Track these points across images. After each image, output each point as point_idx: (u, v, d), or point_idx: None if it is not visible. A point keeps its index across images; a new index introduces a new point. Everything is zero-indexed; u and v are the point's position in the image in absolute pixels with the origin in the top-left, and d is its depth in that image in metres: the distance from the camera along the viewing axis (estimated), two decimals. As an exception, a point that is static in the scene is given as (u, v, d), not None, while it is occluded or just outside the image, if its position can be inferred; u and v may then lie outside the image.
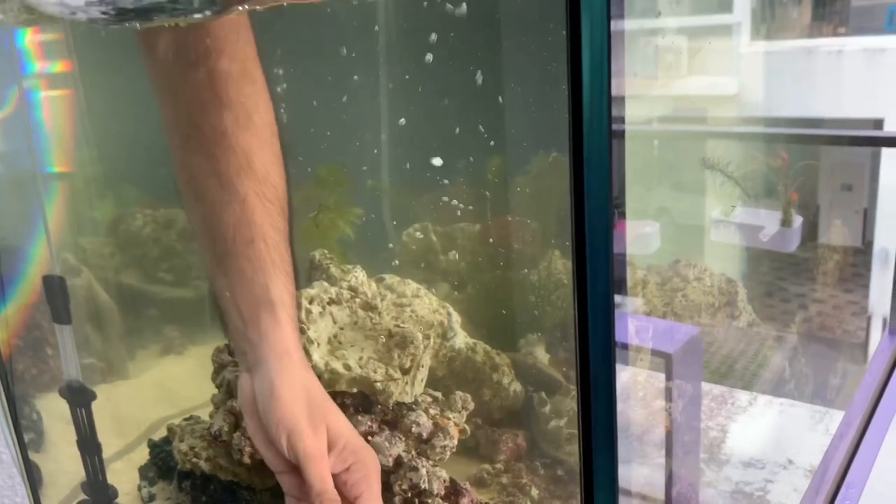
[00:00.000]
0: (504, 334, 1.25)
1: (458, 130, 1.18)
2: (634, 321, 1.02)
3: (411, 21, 1.32)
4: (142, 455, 1.17)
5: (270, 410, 0.67)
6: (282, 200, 0.71)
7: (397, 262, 1.36)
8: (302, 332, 0.78)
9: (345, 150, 1.36)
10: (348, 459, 0.68)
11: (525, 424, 1.16)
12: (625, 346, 0.58)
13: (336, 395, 0.94)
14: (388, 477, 0.96)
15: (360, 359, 1.00)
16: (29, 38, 1.18)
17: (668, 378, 0.98)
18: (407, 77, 1.30)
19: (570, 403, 1.16)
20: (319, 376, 0.86)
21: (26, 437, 1.18)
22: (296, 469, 0.67)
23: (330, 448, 0.68)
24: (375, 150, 1.34)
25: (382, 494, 0.73)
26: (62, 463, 1.15)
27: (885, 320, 1.46)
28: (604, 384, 0.53)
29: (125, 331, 1.47)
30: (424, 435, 1.00)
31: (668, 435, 1.02)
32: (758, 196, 2.15)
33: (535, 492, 1.06)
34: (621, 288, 0.53)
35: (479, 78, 1.14)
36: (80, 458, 1.05)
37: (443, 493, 0.96)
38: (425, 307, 1.14)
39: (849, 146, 3.04)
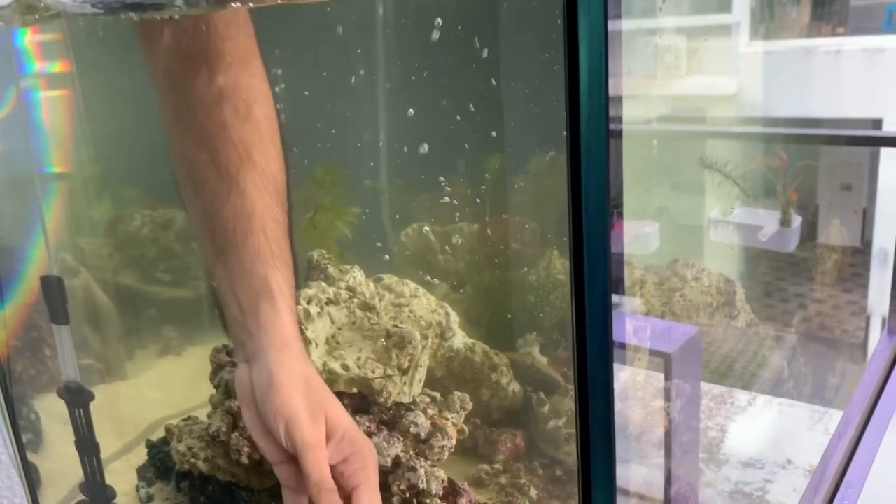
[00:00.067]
0: (503, 334, 1.25)
1: (457, 131, 1.18)
2: (633, 321, 1.02)
3: (409, 21, 1.32)
4: (140, 456, 1.17)
5: (269, 400, 0.67)
6: (281, 193, 0.72)
7: (396, 262, 1.36)
8: (300, 332, 0.78)
9: (343, 149, 1.36)
10: (346, 450, 0.68)
11: (524, 424, 1.16)
12: (623, 346, 0.58)
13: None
14: (387, 477, 0.95)
15: (359, 359, 1.00)
16: (27, 39, 1.18)
17: (667, 378, 0.98)
18: (405, 76, 1.30)
19: (569, 403, 1.16)
20: (317, 376, 0.85)
21: (24, 438, 1.18)
22: (293, 460, 0.67)
23: (328, 438, 0.68)
24: (374, 150, 1.34)
25: (381, 495, 0.73)
26: (60, 463, 1.15)
27: (883, 320, 1.46)
28: (601, 384, 0.53)
29: (123, 331, 1.47)
30: (423, 435, 1.00)
31: (667, 435, 1.02)
32: (757, 196, 2.15)
33: (533, 492, 1.06)
34: (619, 288, 0.53)
35: (479, 78, 1.14)
36: (78, 458, 1.05)
37: (441, 493, 0.95)
38: (423, 307, 1.14)
39: (848, 146, 3.05)
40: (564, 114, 0.48)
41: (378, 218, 1.40)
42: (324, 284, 1.09)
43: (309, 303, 1.03)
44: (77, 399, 1.04)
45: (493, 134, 1.18)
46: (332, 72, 1.30)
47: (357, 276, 1.12)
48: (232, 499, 1.02)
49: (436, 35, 1.10)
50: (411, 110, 1.17)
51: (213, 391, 1.07)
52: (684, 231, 2.06)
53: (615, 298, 0.52)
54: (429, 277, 1.29)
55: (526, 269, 1.26)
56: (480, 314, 1.26)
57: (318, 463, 0.65)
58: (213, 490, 1.03)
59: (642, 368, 1.04)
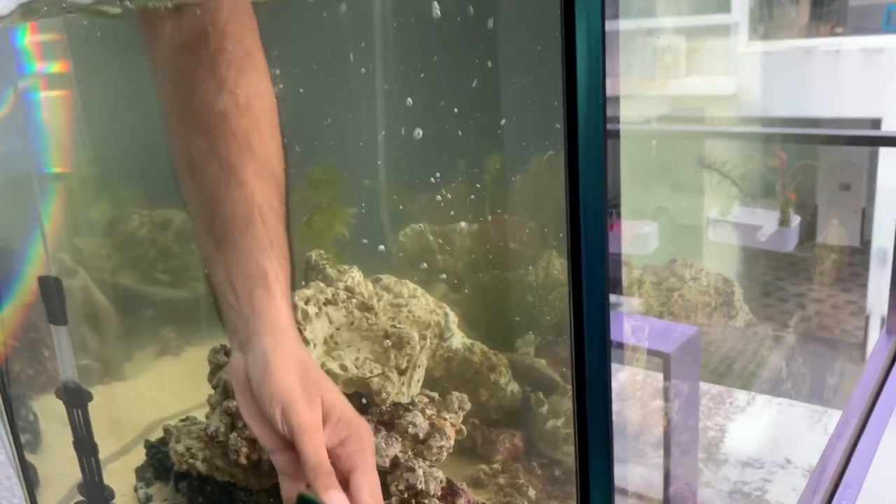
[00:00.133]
0: (501, 334, 1.25)
1: (456, 130, 1.18)
2: (631, 321, 1.02)
3: (408, 22, 1.32)
4: (138, 456, 1.17)
5: (264, 385, 0.67)
6: (280, 186, 0.72)
7: (394, 262, 1.36)
8: (295, 320, 0.78)
9: (342, 149, 1.36)
10: (343, 432, 0.68)
11: (522, 425, 1.16)
12: (621, 346, 0.58)
13: (333, 396, 0.94)
14: (385, 477, 0.95)
15: (357, 359, 1.00)
16: (27, 39, 1.18)
17: (666, 378, 0.98)
18: (404, 77, 1.30)
19: (568, 404, 1.15)
20: (316, 377, 0.85)
21: (23, 439, 1.17)
22: (290, 446, 0.67)
23: (324, 421, 0.68)
24: (372, 151, 1.34)
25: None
26: (59, 464, 1.14)
27: (882, 319, 1.46)
28: (600, 384, 0.53)
29: (122, 332, 1.47)
30: (421, 435, 1.00)
31: (666, 435, 1.02)
32: (756, 196, 2.15)
33: (532, 492, 1.06)
34: (617, 287, 0.53)
35: (478, 77, 1.14)
36: (76, 459, 1.05)
37: (439, 493, 0.95)
38: (422, 307, 1.14)
39: (847, 146, 3.05)
40: (562, 114, 0.48)
41: (376, 218, 1.40)
42: (322, 285, 1.09)
43: (307, 303, 1.03)
44: (75, 399, 1.04)
45: (493, 134, 1.18)
46: (332, 72, 1.30)
47: (355, 276, 1.12)
48: (230, 499, 1.02)
49: (435, 35, 1.10)
50: (409, 99, 1.17)
51: (212, 391, 1.07)
52: (683, 231, 2.06)
53: (613, 298, 0.52)
54: (427, 277, 1.29)
55: (525, 269, 1.26)
56: (479, 314, 1.26)
57: (314, 446, 0.65)
58: (212, 490, 1.03)
59: (641, 368, 1.04)
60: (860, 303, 3.06)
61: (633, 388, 1.07)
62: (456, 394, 1.06)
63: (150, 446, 1.16)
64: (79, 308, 1.36)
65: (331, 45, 1.29)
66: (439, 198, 1.22)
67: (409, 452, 0.98)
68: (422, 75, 1.24)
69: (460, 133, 1.19)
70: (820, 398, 1.85)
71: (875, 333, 2.81)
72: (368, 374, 0.98)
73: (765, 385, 1.56)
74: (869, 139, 2.20)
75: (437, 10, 1.08)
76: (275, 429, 0.67)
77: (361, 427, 0.69)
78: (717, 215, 2.08)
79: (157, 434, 1.17)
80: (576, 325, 0.51)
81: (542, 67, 1.00)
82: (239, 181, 0.69)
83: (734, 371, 1.57)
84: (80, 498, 1.07)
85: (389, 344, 1.02)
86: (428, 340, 1.07)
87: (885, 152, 2.85)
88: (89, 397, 1.04)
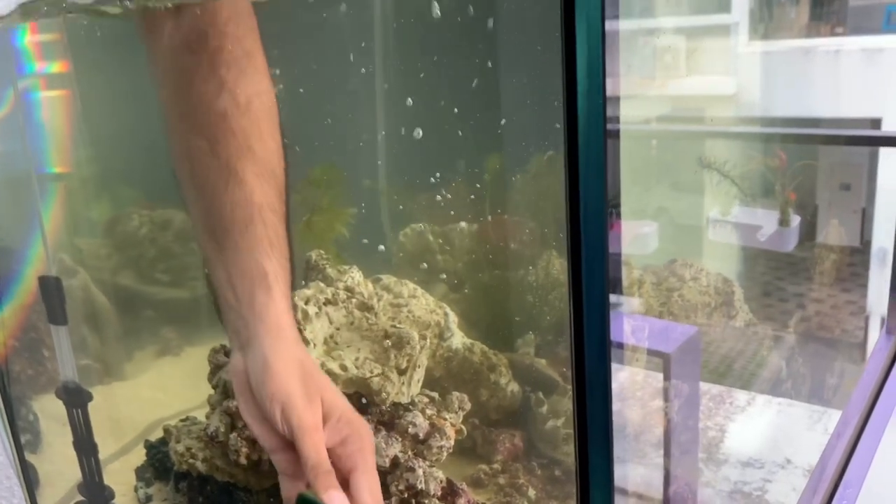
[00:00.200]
0: (501, 334, 1.25)
1: (456, 130, 1.18)
2: (631, 321, 1.02)
3: (408, 22, 1.32)
4: (138, 456, 1.17)
5: (264, 385, 0.67)
6: (280, 186, 0.72)
7: (394, 262, 1.36)
8: (298, 332, 0.78)
9: (342, 149, 1.36)
10: (343, 431, 0.68)
11: (522, 425, 1.16)
12: (621, 346, 0.58)
13: (333, 396, 0.94)
14: (385, 478, 0.95)
15: (357, 359, 1.00)
16: (27, 39, 1.18)
17: (667, 378, 0.98)
18: (404, 77, 1.30)
19: (568, 404, 1.15)
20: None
21: (23, 439, 1.17)
22: (290, 446, 0.67)
23: (324, 421, 0.68)
24: (372, 150, 1.34)
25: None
26: (59, 464, 1.14)
27: (882, 319, 1.46)
28: (599, 384, 0.53)
29: (122, 332, 1.46)
30: (421, 435, 0.99)
31: (666, 435, 1.02)
32: (756, 196, 2.15)
33: (532, 492, 1.06)
34: (617, 287, 0.53)
35: (478, 77, 1.14)
36: (76, 459, 1.05)
37: (439, 493, 0.95)
38: (422, 307, 1.14)
39: (847, 146, 3.05)
40: (562, 114, 0.48)
41: (376, 218, 1.40)
42: (322, 285, 1.09)
43: (307, 303, 1.03)
44: (75, 399, 1.04)
45: (493, 134, 1.18)
46: (332, 72, 1.30)
47: (355, 276, 1.12)
48: (230, 499, 1.02)
49: (434, 35, 1.10)
50: (409, 100, 1.17)
51: (212, 391, 1.07)
52: (683, 231, 2.06)
53: (613, 298, 0.52)
54: (427, 277, 1.29)
55: (525, 269, 1.26)
56: (479, 314, 1.26)
57: (314, 445, 0.65)
58: (212, 490, 1.03)
59: (641, 368, 1.04)
60: (860, 303, 3.06)
61: (633, 388, 1.07)
62: (456, 394, 1.06)
63: (150, 446, 1.16)
64: (79, 308, 1.36)
65: (331, 45, 1.29)
66: (439, 198, 1.22)
67: (409, 452, 0.98)
68: (422, 75, 1.24)
69: (460, 133, 1.19)
70: (820, 398, 1.85)
71: (875, 333, 2.80)
72: (368, 374, 0.98)
73: (765, 385, 1.56)
74: (869, 139, 2.21)
75: (437, 10, 1.08)
76: (275, 429, 0.67)
77: (361, 427, 0.69)
78: (717, 215, 2.08)
79: (157, 434, 1.17)
80: (575, 325, 0.51)
81: (542, 67, 1.00)
82: (239, 181, 0.69)
83: (734, 371, 1.58)
84: (79, 498, 1.07)
85: (389, 344, 1.02)
86: (428, 340, 1.07)
87: (885, 152, 2.85)
88: (89, 397, 1.04)
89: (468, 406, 1.06)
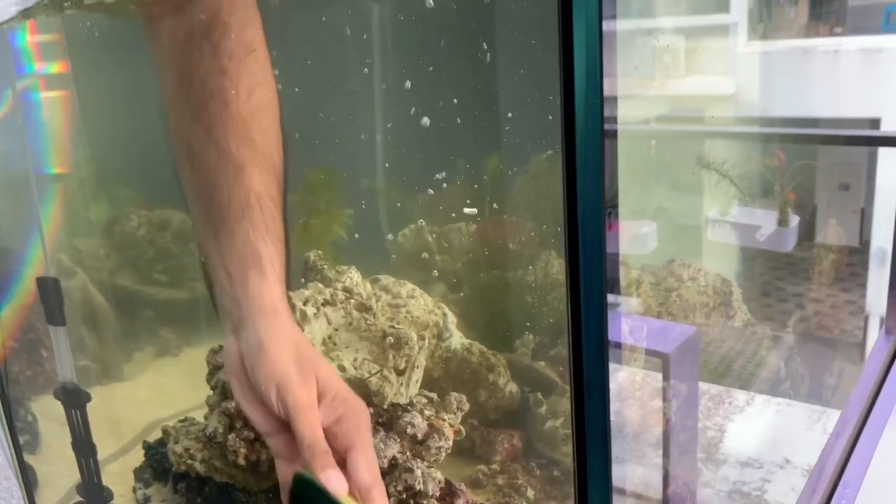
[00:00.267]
0: (500, 335, 1.25)
1: (455, 131, 1.18)
2: (629, 321, 1.02)
3: (407, 22, 1.32)
4: (137, 457, 1.17)
5: (259, 366, 0.67)
6: (278, 175, 0.72)
7: (393, 262, 1.36)
8: (291, 313, 0.78)
9: (342, 149, 1.36)
10: (338, 409, 0.68)
11: (521, 425, 1.16)
12: (619, 346, 0.58)
13: (331, 397, 0.94)
14: (383, 478, 0.95)
15: (355, 360, 1.00)
16: (26, 39, 1.18)
17: (665, 378, 0.98)
18: (404, 77, 1.30)
19: (567, 404, 1.15)
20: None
21: (22, 440, 1.17)
22: (285, 428, 0.67)
23: (320, 399, 0.67)
24: (371, 151, 1.34)
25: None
26: (57, 465, 1.14)
27: (881, 319, 1.46)
28: (597, 384, 0.53)
29: (120, 332, 1.46)
30: (419, 436, 0.99)
31: (665, 435, 1.02)
32: (755, 196, 2.15)
33: (530, 492, 1.06)
34: (615, 287, 0.53)
35: (478, 77, 1.14)
36: (75, 460, 1.05)
37: (438, 494, 0.95)
38: (420, 308, 1.14)
39: (846, 146, 3.05)
40: (560, 113, 0.48)
41: (375, 218, 1.40)
42: (320, 286, 1.09)
43: (305, 304, 1.03)
44: (74, 400, 1.04)
45: (492, 134, 1.18)
46: (331, 73, 1.30)
47: (354, 276, 1.12)
48: (229, 500, 1.02)
49: (434, 36, 1.10)
50: (409, 100, 1.17)
51: (210, 392, 1.07)
52: (682, 231, 2.06)
53: (611, 298, 0.52)
54: (426, 278, 1.29)
55: (523, 269, 1.26)
56: (478, 314, 1.26)
57: (310, 424, 0.65)
58: (210, 491, 1.03)
59: (639, 368, 1.04)
60: (859, 303, 3.07)
61: (631, 388, 1.07)
62: (454, 394, 1.06)
63: (148, 447, 1.16)
64: (77, 309, 1.36)
65: (331, 45, 1.29)
66: (438, 198, 1.22)
67: (408, 453, 0.98)
68: (421, 76, 1.24)
69: (460, 133, 1.19)
70: (819, 398, 1.85)
71: (874, 333, 2.81)
72: (367, 375, 0.98)
73: (764, 385, 1.56)
74: (868, 139, 2.21)
75: (431, 2, 1.08)
76: (270, 411, 0.67)
77: (357, 405, 0.69)
78: (716, 215, 2.08)
79: (156, 435, 1.17)
80: (574, 326, 0.51)
81: (541, 67, 1.00)
82: (237, 166, 0.70)
83: (733, 371, 1.57)
84: (78, 499, 1.07)
85: (388, 344, 1.02)
86: (426, 341, 1.07)
87: (884, 152, 2.85)
88: (88, 398, 1.04)
89: (467, 406, 1.06)
